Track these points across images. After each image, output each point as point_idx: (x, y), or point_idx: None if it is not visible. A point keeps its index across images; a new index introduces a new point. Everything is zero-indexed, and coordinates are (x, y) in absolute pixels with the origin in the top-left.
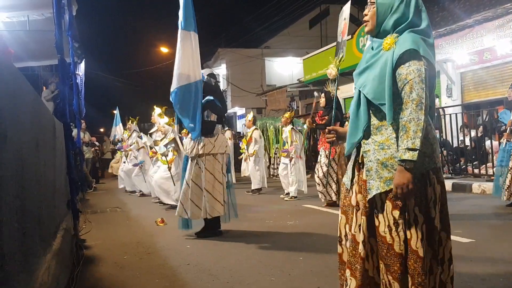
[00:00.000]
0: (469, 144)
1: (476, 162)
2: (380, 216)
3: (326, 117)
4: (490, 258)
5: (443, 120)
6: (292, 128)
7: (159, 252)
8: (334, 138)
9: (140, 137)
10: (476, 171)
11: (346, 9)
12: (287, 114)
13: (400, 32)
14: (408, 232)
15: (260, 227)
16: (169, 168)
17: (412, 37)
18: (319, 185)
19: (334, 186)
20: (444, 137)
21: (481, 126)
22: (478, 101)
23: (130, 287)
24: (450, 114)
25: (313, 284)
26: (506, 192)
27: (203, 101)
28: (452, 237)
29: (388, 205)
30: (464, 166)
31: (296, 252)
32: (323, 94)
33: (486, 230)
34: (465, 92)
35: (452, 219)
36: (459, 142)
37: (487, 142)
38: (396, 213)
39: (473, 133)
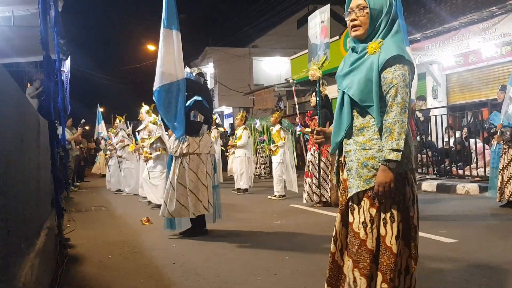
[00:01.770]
0: (453, 146)
1: (460, 163)
2: (356, 212)
3: (316, 117)
4: (473, 258)
5: (428, 121)
6: (280, 127)
7: (145, 251)
8: (323, 139)
9: (129, 135)
10: (460, 172)
11: (323, 12)
12: (276, 114)
13: (384, 36)
14: (382, 229)
15: (247, 227)
16: (146, 160)
17: (396, 42)
18: (307, 184)
19: (327, 187)
20: (429, 138)
21: (465, 128)
22: (463, 102)
23: (115, 287)
24: (436, 116)
25: (299, 283)
26: (498, 193)
27: (190, 101)
28: (437, 237)
29: (366, 202)
30: (448, 167)
31: (283, 251)
32: (313, 94)
33: (470, 231)
34: (450, 93)
35: (436, 219)
36: (444, 143)
37: (472, 144)
38: (373, 211)
39: (457, 134)
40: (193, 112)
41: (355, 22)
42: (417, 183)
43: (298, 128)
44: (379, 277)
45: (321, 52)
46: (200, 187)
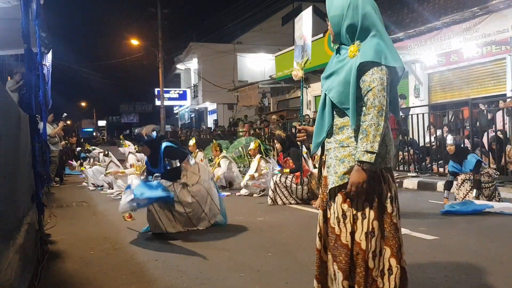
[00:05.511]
0: (434, 143)
1: (441, 161)
2: (332, 208)
3: (288, 158)
4: (453, 255)
5: (410, 119)
6: (260, 156)
7: (127, 247)
8: (305, 137)
9: (107, 155)
10: (441, 169)
11: (306, 14)
12: (253, 145)
13: (361, 39)
14: (354, 225)
15: (230, 223)
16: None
17: (375, 45)
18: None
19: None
20: (411, 137)
21: (445, 126)
22: (444, 101)
23: (96, 283)
24: (418, 114)
25: (282, 280)
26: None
27: (160, 153)
28: (417, 234)
29: (339, 197)
30: (429, 165)
31: (265, 248)
32: (276, 141)
33: (450, 228)
34: (432, 92)
35: (417, 216)
36: (425, 142)
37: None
38: (345, 206)
39: (438, 132)
40: (166, 161)
41: (329, 31)
42: (396, 181)
43: (278, 168)
44: (355, 270)
45: (304, 53)
46: (212, 193)
